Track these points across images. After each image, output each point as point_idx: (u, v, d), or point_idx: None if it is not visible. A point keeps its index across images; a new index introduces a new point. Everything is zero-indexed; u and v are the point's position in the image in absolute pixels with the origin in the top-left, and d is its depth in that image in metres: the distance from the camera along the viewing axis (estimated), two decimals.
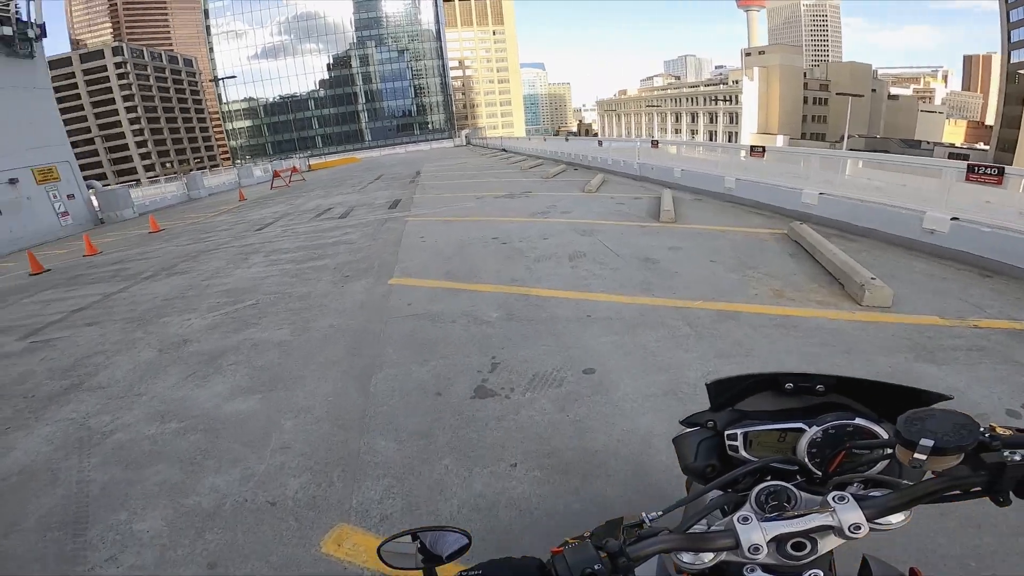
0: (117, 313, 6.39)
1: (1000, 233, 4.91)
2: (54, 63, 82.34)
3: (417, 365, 3.84)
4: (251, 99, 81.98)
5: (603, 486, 2.47)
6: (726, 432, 0.92)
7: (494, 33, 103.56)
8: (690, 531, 0.74)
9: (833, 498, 0.67)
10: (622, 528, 0.78)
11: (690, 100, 79.96)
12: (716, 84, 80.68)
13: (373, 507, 2.49)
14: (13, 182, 16.94)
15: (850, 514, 0.64)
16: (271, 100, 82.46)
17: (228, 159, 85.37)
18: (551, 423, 3.01)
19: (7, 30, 16.99)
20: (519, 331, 4.26)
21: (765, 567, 0.68)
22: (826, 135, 68.78)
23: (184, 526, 2.52)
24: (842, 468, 0.83)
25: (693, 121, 78.96)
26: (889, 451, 0.80)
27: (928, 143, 58.44)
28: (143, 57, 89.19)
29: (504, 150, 33.49)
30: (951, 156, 37.86)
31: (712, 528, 0.75)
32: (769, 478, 0.82)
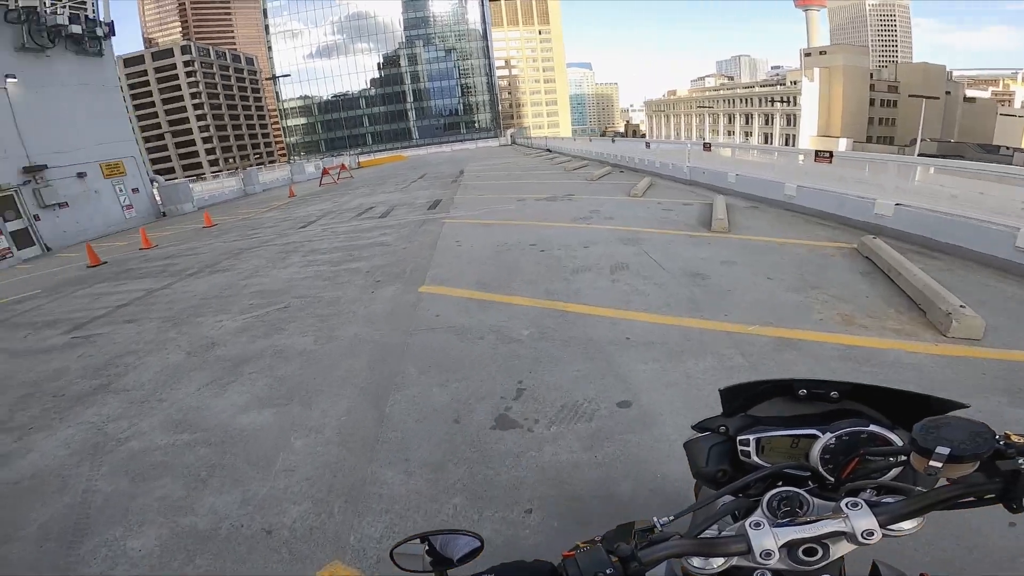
0: (156, 311, 6.49)
1: None
2: (128, 61, 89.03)
3: (438, 386, 3.58)
4: (306, 97, 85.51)
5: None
6: (739, 437, 0.92)
7: (540, 33, 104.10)
8: (701, 536, 0.74)
9: (846, 504, 0.67)
10: (633, 533, 0.79)
11: (744, 101, 77.25)
12: (773, 85, 77.64)
13: (371, 546, 2.28)
14: (82, 176, 18.01)
15: (863, 520, 0.65)
16: (325, 98, 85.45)
17: (284, 155, 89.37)
18: (576, 464, 2.68)
19: (76, 28, 18.04)
20: (550, 353, 3.93)
21: (776, 572, 0.70)
22: (894, 139, 64.68)
23: (176, 548, 2.40)
24: (855, 474, 0.82)
25: (747, 123, 76.27)
26: (903, 458, 0.77)
27: (1008, 148, 53.70)
28: (209, 55, 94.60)
29: (548, 150, 33.09)
30: None
31: (723, 533, 0.75)
32: (780, 484, 0.81)
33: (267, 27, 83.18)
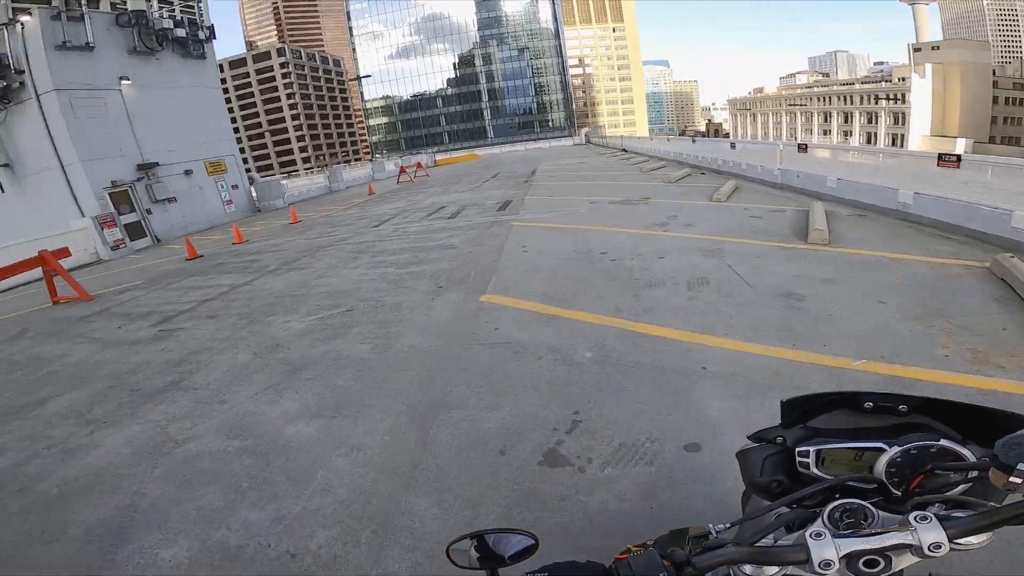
0: (235, 307, 6.79)
1: None
2: (233, 63, 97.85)
3: (487, 410, 3.33)
4: (388, 97, 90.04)
5: None
6: (798, 449, 0.90)
7: (614, 31, 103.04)
8: (757, 544, 0.75)
9: (915, 517, 0.68)
10: (687, 539, 0.84)
11: (843, 99, 71.34)
12: (876, 81, 71.05)
13: None
14: (188, 173, 19.74)
15: (931, 533, 0.66)
16: (404, 98, 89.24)
17: (368, 153, 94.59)
18: (628, 514, 2.33)
19: (181, 32, 19.71)
20: (613, 380, 3.55)
21: None
22: (1021, 139, 56.79)
23: (203, 562, 2.36)
24: (922, 488, 0.81)
25: (846, 121, 70.65)
26: (975, 473, 0.77)
27: None
28: (301, 57, 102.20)
29: (624, 150, 32.06)
30: None
31: (779, 542, 0.76)
32: (837, 496, 0.79)
33: (351, 29, 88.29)
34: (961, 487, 0.81)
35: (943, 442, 0.82)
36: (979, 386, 3.06)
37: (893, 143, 59.19)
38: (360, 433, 3.25)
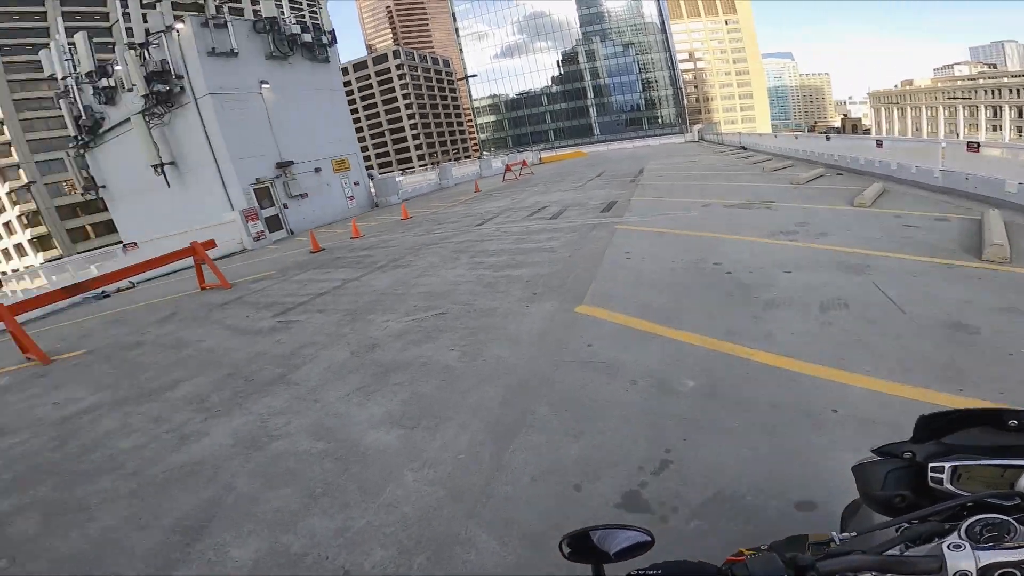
0: (343, 303, 7.23)
1: None
2: (356, 66, 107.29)
3: (568, 438, 3.08)
4: (494, 95, 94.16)
5: None
6: (931, 464, 0.90)
7: (726, 23, 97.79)
8: (887, 553, 0.75)
9: None
10: (808, 545, 0.85)
11: (1016, 91, 61.24)
12: None
13: None
14: (318, 171, 21.78)
15: None
16: (510, 96, 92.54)
17: (477, 151, 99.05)
18: None
19: (307, 37, 21.64)
20: (717, 416, 3.12)
21: None
22: None
23: (266, 566, 2.45)
24: None
25: (1020, 116, 60.28)
26: None
27: None
28: (413, 59, 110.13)
29: (743, 147, 29.53)
30: None
31: (906, 553, 0.76)
32: (966, 512, 0.80)
33: (456, 30, 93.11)
34: None
35: None
36: None
37: None
38: (435, 448, 3.18)
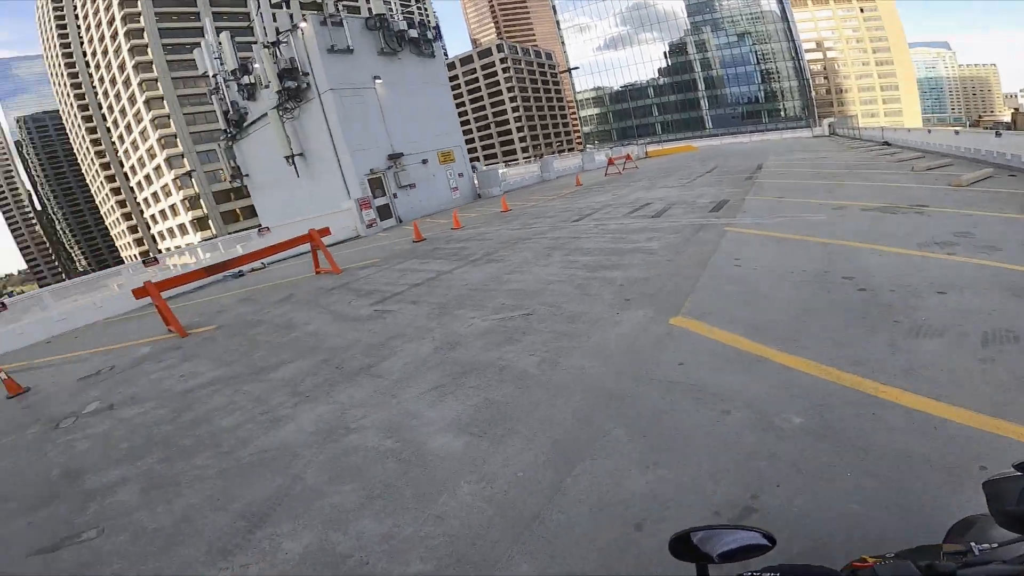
0: (435, 295, 7.47)
1: None
2: (463, 60, 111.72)
3: (640, 468, 2.85)
4: (598, 88, 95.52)
5: None
6: None
7: (862, 11, 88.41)
8: None
9: None
10: (941, 555, 0.85)
11: None
12: None
13: None
14: (425, 162, 22.85)
15: None
16: (615, 89, 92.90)
17: (580, 143, 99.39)
18: None
19: (414, 33, 22.58)
20: (825, 461, 2.69)
21: None
22: None
23: (312, 563, 2.57)
24: None
25: None
26: None
27: None
28: (517, 52, 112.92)
29: (886, 143, 25.82)
30: None
31: None
32: None
33: (558, 23, 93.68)
34: None
35: None
36: None
37: None
38: (497, 462, 3.13)
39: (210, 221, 70.22)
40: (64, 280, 16.42)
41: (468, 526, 2.63)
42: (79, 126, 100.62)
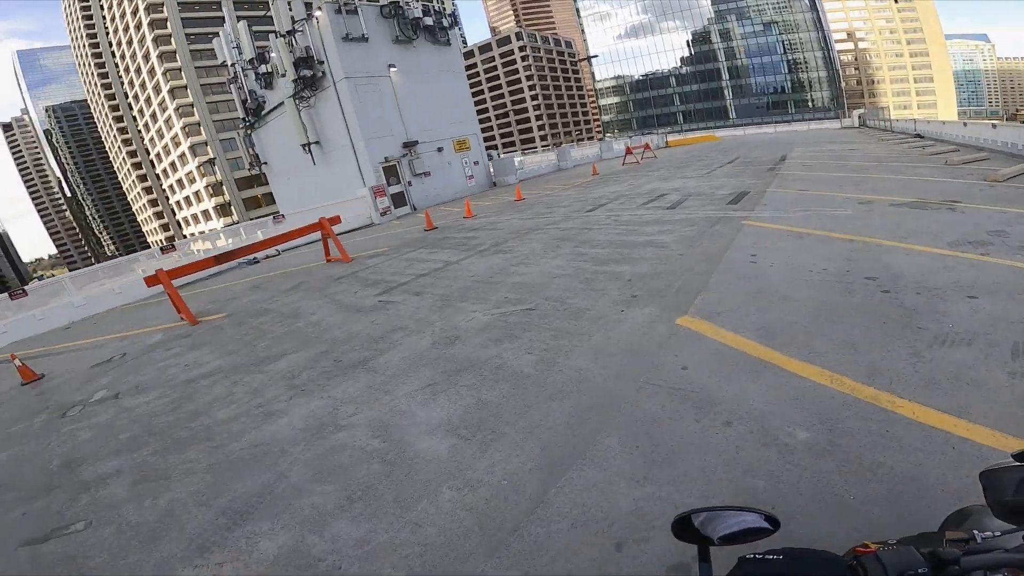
0: (439, 287, 7.38)
1: None
2: (482, 48, 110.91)
3: (629, 482, 2.71)
4: (618, 77, 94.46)
5: None
6: None
7: (896, 1, 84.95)
8: None
9: None
10: (944, 542, 0.86)
11: None
12: None
13: None
14: (440, 150, 22.73)
15: None
16: (636, 78, 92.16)
17: (600, 132, 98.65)
18: None
19: (429, 21, 22.33)
20: (827, 483, 2.51)
21: None
22: None
23: (285, 564, 2.53)
24: None
25: None
26: None
27: None
28: (536, 40, 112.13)
29: (919, 135, 24.76)
30: None
31: None
32: None
33: (578, 11, 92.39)
34: None
35: None
36: None
37: None
38: (482, 467, 3.02)
39: (232, 207, 71.41)
40: (94, 264, 16.89)
41: (444, 535, 2.53)
42: (106, 115, 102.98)
